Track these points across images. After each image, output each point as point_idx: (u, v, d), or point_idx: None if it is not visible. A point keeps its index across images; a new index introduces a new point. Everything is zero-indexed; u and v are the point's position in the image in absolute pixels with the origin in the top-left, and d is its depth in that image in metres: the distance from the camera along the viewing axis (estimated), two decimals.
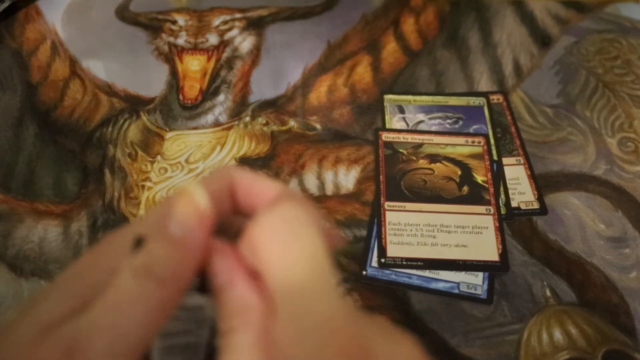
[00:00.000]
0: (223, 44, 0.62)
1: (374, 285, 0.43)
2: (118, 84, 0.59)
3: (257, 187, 0.21)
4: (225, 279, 0.18)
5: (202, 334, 0.18)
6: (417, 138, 0.51)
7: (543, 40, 0.61)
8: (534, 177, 0.49)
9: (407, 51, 0.61)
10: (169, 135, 0.53)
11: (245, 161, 0.51)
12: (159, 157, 0.52)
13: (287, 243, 0.17)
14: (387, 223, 0.45)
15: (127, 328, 0.16)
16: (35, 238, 0.46)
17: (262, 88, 0.58)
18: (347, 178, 0.50)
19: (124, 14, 0.67)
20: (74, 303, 0.17)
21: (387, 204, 0.46)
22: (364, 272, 0.43)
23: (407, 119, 0.54)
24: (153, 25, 0.65)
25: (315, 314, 0.16)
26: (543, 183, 0.48)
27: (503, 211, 0.46)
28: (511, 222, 0.46)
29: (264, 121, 0.54)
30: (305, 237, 0.18)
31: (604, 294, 0.42)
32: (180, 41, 0.63)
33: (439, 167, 0.49)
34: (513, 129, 0.53)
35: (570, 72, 0.58)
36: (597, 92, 0.56)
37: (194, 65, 0.60)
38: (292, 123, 0.54)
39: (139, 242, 0.18)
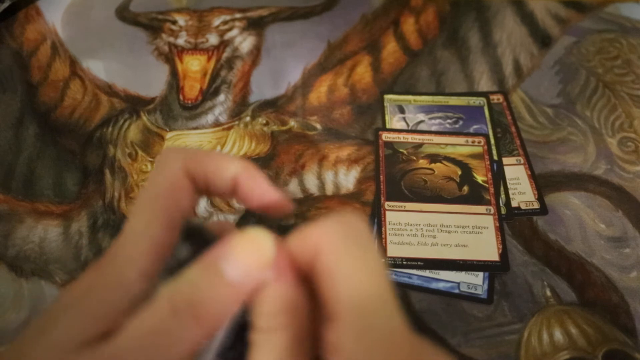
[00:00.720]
0: (223, 44, 0.62)
1: None
2: (118, 84, 0.59)
3: (213, 164, 0.20)
4: (274, 274, 0.17)
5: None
6: (417, 138, 0.51)
7: (543, 40, 0.61)
8: (534, 177, 0.49)
9: (407, 51, 0.61)
10: (169, 135, 0.53)
11: None
12: None
13: (357, 255, 0.17)
14: (387, 223, 0.45)
15: None
16: (36, 238, 0.46)
17: (262, 88, 0.58)
18: (347, 178, 0.50)
19: (124, 14, 0.67)
20: (95, 328, 0.16)
21: (387, 204, 0.46)
22: None
23: (407, 119, 0.54)
24: (153, 25, 0.65)
25: (383, 328, 0.16)
26: (543, 183, 0.48)
27: (503, 211, 0.46)
28: (511, 222, 0.46)
29: (264, 121, 0.54)
30: (371, 250, 0.17)
31: (604, 294, 0.42)
32: (181, 41, 0.63)
33: (439, 167, 0.49)
34: (513, 129, 0.53)
35: (571, 72, 0.58)
36: (597, 92, 0.56)
37: (194, 65, 0.60)
38: (292, 123, 0.54)
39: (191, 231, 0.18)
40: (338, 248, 0.17)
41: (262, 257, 0.17)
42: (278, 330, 0.17)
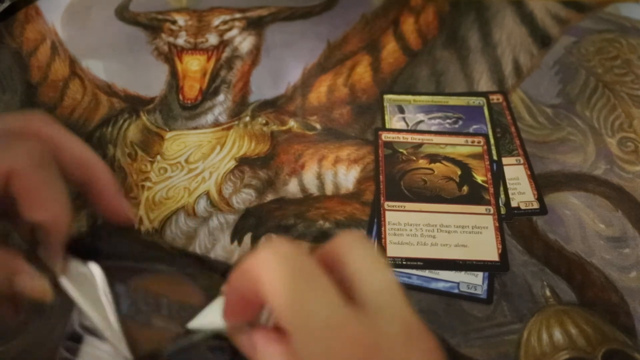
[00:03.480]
0: (223, 44, 0.62)
1: None
2: (118, 84, 0.59)
3: (87, 161, 0.22)
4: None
5: None
6: (417, 138, 0.51)
7: (543, 40, 0.61)
8: (533, 177, 0.49)
9: (407, 51, 0.61)
10: (168, 135, 0.53)
11: (245, 161, 0.51)
12: (158, 157, 0.52)
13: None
14: (387, 223, 0.45)
15: None
16: None
17: (262, 88, 0.58)
18: (347, 178, 0.50)
19: (124, 14, 0.67)
20: None
21: (387, 204, 0.46)
22: None
23: (407, 118, 0.54)
24: (153, 25, 0.65)
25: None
26: (543, 183, 0.48)
27: (503, 211, 0.46)
28: (511, 222, 0.46)
29: (264, 121, 0.54)
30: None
31: (603, 294, 0.42)
32: (180, 41, 0.63)
33: (438, 167, 0.49)
34: (513, 129, 0.53)
35: (570, 72, 0.58)
36: (596, 92, 0.56)
37: (193, 65, 0.60)
38: (292, 123, 0.54)
39: None
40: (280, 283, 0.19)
41: None
42: None
